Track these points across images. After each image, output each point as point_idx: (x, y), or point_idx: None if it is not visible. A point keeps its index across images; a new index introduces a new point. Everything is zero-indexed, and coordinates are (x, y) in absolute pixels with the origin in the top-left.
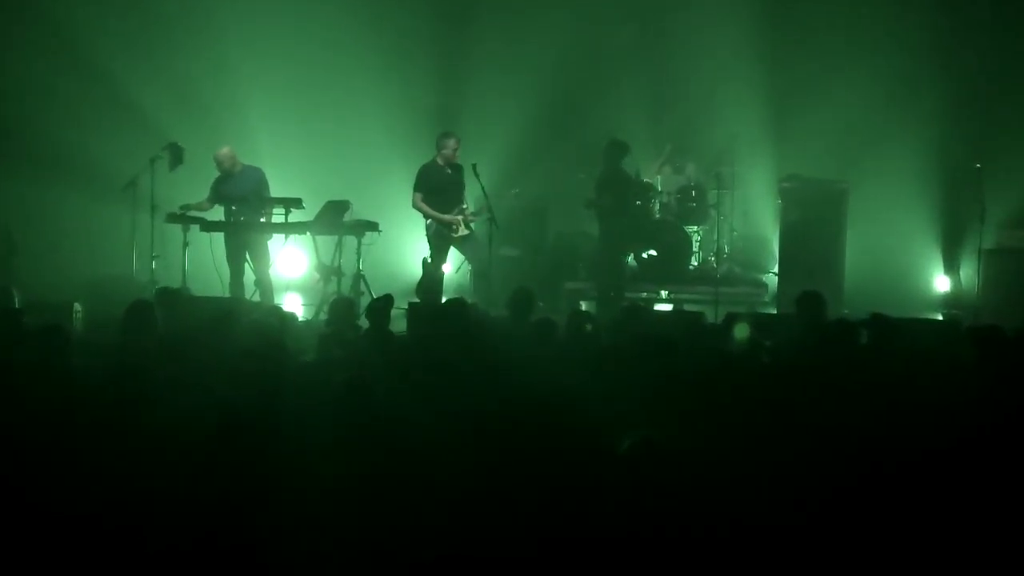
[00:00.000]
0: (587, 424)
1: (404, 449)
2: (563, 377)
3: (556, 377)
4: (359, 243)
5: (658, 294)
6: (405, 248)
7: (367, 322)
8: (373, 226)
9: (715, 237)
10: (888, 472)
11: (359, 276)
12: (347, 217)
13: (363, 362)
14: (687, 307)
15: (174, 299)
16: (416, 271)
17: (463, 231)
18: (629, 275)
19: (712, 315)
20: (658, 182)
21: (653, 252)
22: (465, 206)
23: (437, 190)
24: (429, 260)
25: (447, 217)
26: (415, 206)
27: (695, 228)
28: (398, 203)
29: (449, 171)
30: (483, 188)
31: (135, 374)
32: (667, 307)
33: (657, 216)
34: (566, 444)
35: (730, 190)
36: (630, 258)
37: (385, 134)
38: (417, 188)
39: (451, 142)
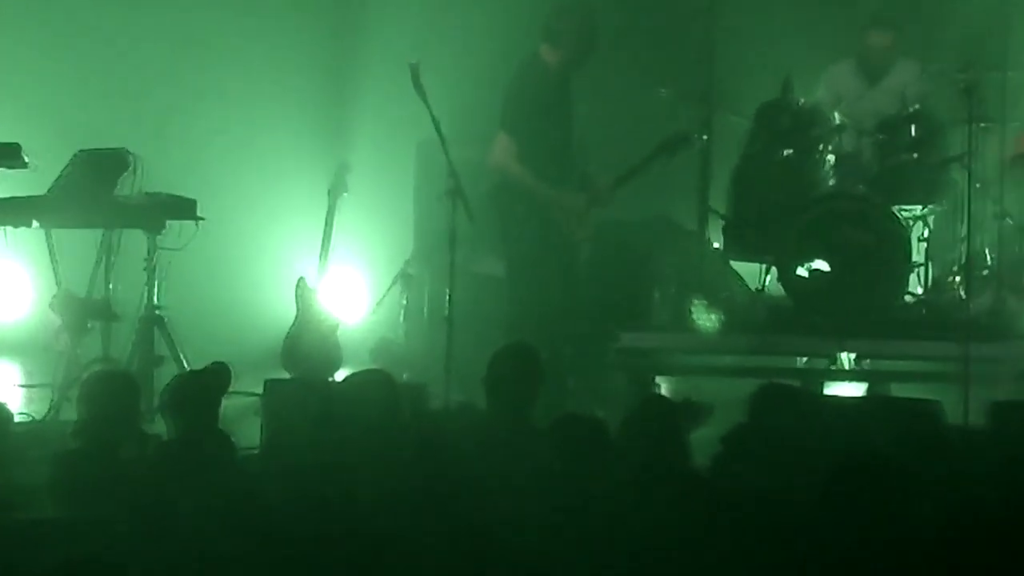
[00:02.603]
0: None
1: None
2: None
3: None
4: (153, 246)
5: (833, 358)
6: (255, 257)
7: (166, 425)
8: (185, 209)
9: (961, 230)
10: None
11: (152, 320)
12: (126, 188)
13: (156, 516)
14: (897, 390)
15: None
16: (282, 309)
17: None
18: (767, 313)
19: (957, 409)
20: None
21: (822, 264)
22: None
23: (550, 129)
24: (302, 287)
25: (566, 199)
26: (498, 166)
27: (917, 210)
28: (237, 165)
29: (566, 84)
30: (435, 122)
31: None
32: (852, 388)
33: (832, 182)
34: None
35: (998, 124)
36: (768, 278)
37: (211, 35)
38: (507, 126)
39: (575, 18)
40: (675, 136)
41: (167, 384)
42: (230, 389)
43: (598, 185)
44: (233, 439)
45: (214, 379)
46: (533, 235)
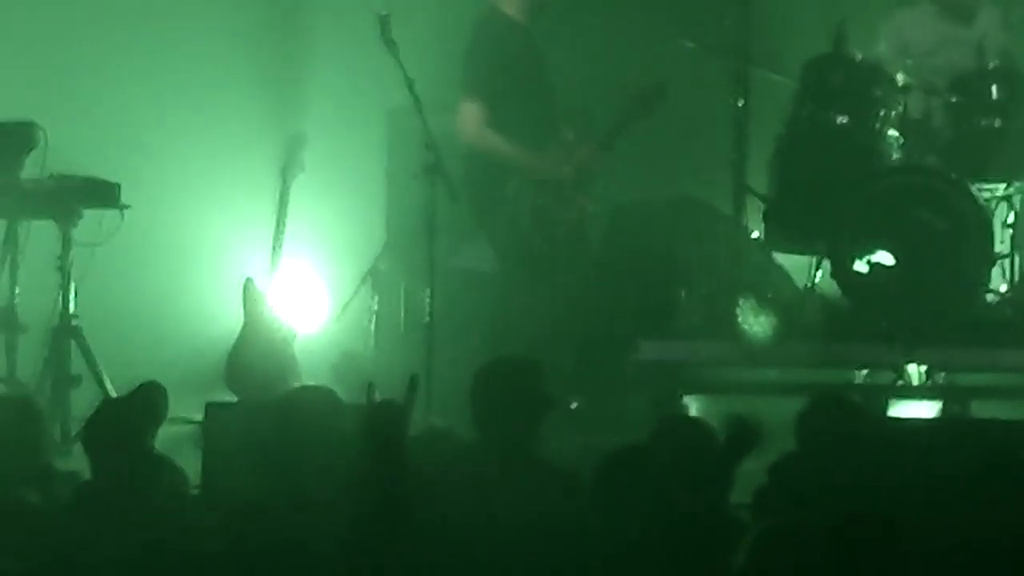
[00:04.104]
0: None
1: None
2: None
3: None
4: (67, 240)
5: (901, 372)
6: (193, 253)
7: (90, 463)
8: (106, 195)
9: None
10: None
11: (67, 332)
12: (32, 170)
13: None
14: (979, 409)
15: None
16: (226, 317)
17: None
18: (818, 316)
19: None
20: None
21: (885, 256)
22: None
23: (522, 91)
24: (250, 289)
25: (549, 165)
26: (468, 136)
27: (1001, 189)
28: (169, 141)
29: (534, 36)
30: (409, 84)
31: None
32: (924, 409)
33: (896, 155)
34: None
35: None
36: (819, 273)
37: None
38: (471, 90)
39: None
40: (649, 88)
41: (91, 415)
42: (167, 416)
43: (578, 153)
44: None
45: (147, 405)
46: (522, 217)
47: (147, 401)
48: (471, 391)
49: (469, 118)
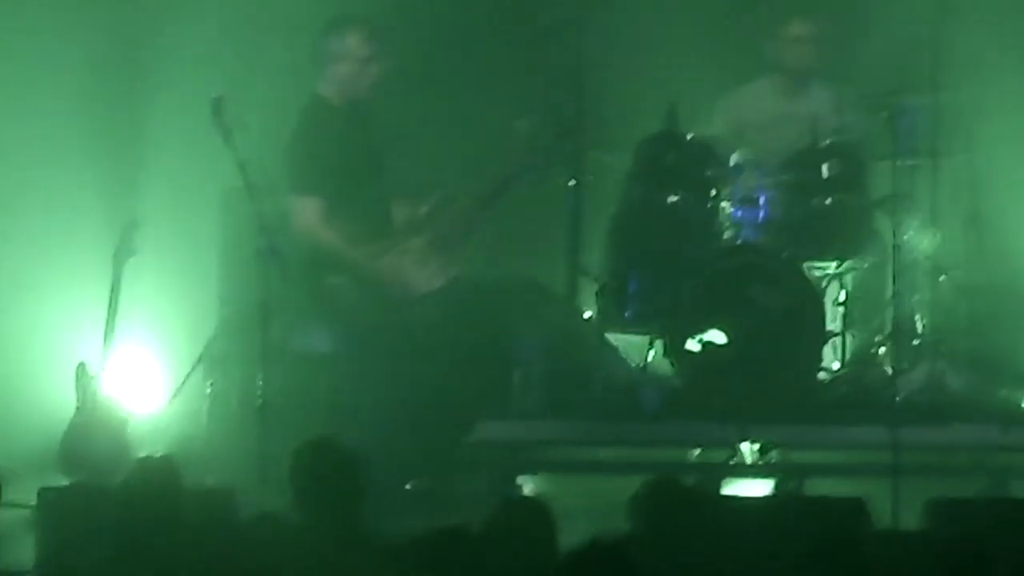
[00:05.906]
0: None
1: None
2: None
3: None
4: None
5: (733, 450)
6: (23, 339)
7: None
8: None
9: (886, 291)
10: None
11: None
12: None
13: None
14: (812, 487)
15: None
16: (59, 401)
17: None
18: (651, 396)
19: (885, 508)
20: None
21: (717, 336)
22: (427, 208)
23: (345, 177)
24: (82, 374)
25: (376, 264)
26: (308, 234)
27: (832, 267)
28: None
29: (362, 118)
30: (242, 166)
31: None
32: (761, 486)
33: (728, 235)
34: None
35: (929, 159)
36: (652, 353)
37: None
38: (305, 185)
39: (350, 41)
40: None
41: None
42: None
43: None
44: None
45: None
46: (356, 304)
47: None
48: (288, 473)
49: (305, 214)
